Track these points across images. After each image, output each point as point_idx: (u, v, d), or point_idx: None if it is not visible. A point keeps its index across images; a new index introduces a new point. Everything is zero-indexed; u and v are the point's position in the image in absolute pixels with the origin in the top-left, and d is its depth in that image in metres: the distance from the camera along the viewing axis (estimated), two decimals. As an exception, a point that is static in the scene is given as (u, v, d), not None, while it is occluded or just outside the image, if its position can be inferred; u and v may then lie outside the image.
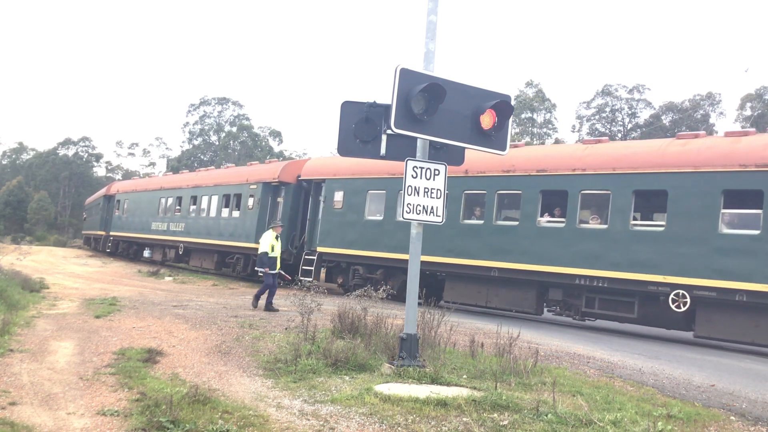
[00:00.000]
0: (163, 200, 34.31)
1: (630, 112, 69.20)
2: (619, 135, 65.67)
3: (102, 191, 47.82)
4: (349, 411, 6.86)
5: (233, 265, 26.95)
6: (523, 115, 66.97)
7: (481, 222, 17.87)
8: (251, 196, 25.46)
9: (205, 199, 29.76)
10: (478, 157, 17.97)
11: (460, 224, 18.19)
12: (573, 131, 70.22)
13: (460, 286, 18.54)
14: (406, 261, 17.77)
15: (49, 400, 6.98)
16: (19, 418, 6.17)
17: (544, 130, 68.52)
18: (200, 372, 8.64)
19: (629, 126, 68.36)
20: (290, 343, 10.01)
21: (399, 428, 6.35)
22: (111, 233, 41.05)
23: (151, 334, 11.32)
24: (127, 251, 39.27)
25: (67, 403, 6.91)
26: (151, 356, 9.26)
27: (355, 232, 21.01)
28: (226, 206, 27.70)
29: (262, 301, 15.63)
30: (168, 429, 5.88)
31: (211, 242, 28.03)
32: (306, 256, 22.47)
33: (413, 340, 8.68)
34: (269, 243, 15.89)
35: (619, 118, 69.50)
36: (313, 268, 21.90)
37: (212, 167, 41.67)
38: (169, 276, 28.10)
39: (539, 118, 69.01)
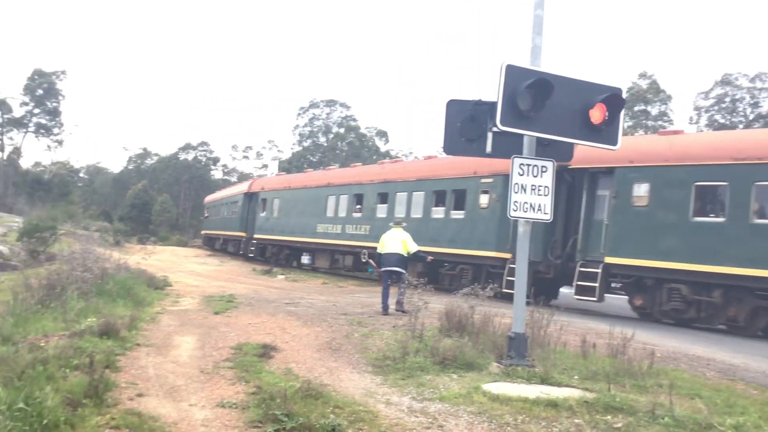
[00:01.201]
0: (332, 198, 28.98)
1: (752, 101, 65.20)
2: (741, 126, 62.12)
3: (240, 187, 43.03)
4: (457, 409, 6.86)
5: (454, 277, 21.52)
6: (636, 108, 64.48)
7: None
8: (484, 192, 20.64)
9: (401, 197, 24.57)
10: None
11: None
12: (690, 123, 66.94)
13: None
14: (764, 279, 14.24)
15: (173, 392, 7.32)
16: (146, 409, 6.50)
17: (659, 122, 65.68)
18: (312, 367, 8.86)
19: (751, 116, 64.49)
20: (398, 341, 10.11)
21: (508, 428, 6.29)
22: (255, 236, 36.49)
23: (266, 330, 11.70)
24: (278, 256, 34.30)
25: (189, 395, 7.22)
26: (265, 351, 9.57)
27: (673, 238, 15.82)
28: (439, 205, 22.67)
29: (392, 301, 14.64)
30: (282, 422, 6.02)
31: None
32: (582, 269, 17.45)
33: (522, 339, 8.58)
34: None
35: (740, 108, 65.65)
36: (597, 285, 16.85)
37: (399, 158, 35.69)
38: (281, 275, 28.91)
39: (653, 110, 66.22)
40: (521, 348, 8.52)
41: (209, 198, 57.18)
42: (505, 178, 17.72)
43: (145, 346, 9.74)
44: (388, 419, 6.49)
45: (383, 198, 25.83)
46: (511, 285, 16.96)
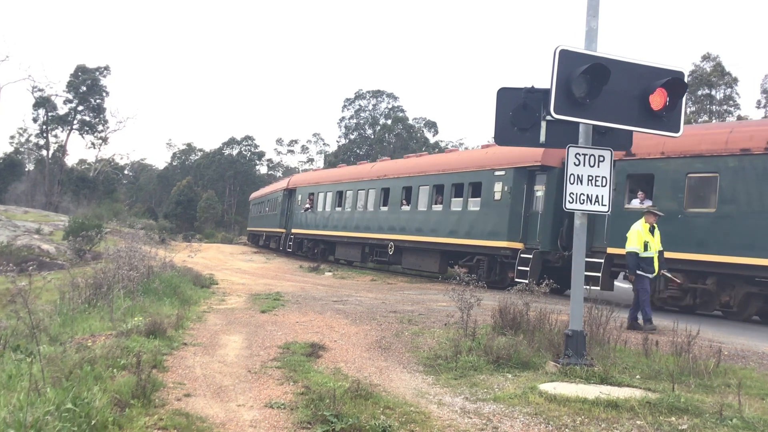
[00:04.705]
0: None
1: (824, 82, 62.71)
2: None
3: (496, 155, 21.15)
4: (512, 410, 6.65)
5: None
6: (699, 92, 62.46)
7: None
8: None
9: None
10: None
11: None
12: (758, 107, 64.49)
13: None
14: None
15: (221, 392, 7.25)
16: (194, 410, 6.44)
17: (725, 107, 63.51)
18: (361, 367, 8.71)
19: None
20: (450, 339, 9.90)
21: (566, 430, 6.08)
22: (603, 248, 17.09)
23: (314, 329, 11.60)
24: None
25: (237, 395, 7.15)
26: (314, 350, 9.47)
27: None
28: None
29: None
30: (332, 423, 5.93)
31: None
32: None
33: (580, 337, 8.28)
34: (638, 238, 11.70)
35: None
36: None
37: None
38: (329, 271, 28.89)
39: (718, 94, 64.07)
40: (579, 346, 8.24)
41: (306, 177, 39.81)
42: None
43: (192, 346, 9.74)
44: (441, 420, 6.32)
45: None
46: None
